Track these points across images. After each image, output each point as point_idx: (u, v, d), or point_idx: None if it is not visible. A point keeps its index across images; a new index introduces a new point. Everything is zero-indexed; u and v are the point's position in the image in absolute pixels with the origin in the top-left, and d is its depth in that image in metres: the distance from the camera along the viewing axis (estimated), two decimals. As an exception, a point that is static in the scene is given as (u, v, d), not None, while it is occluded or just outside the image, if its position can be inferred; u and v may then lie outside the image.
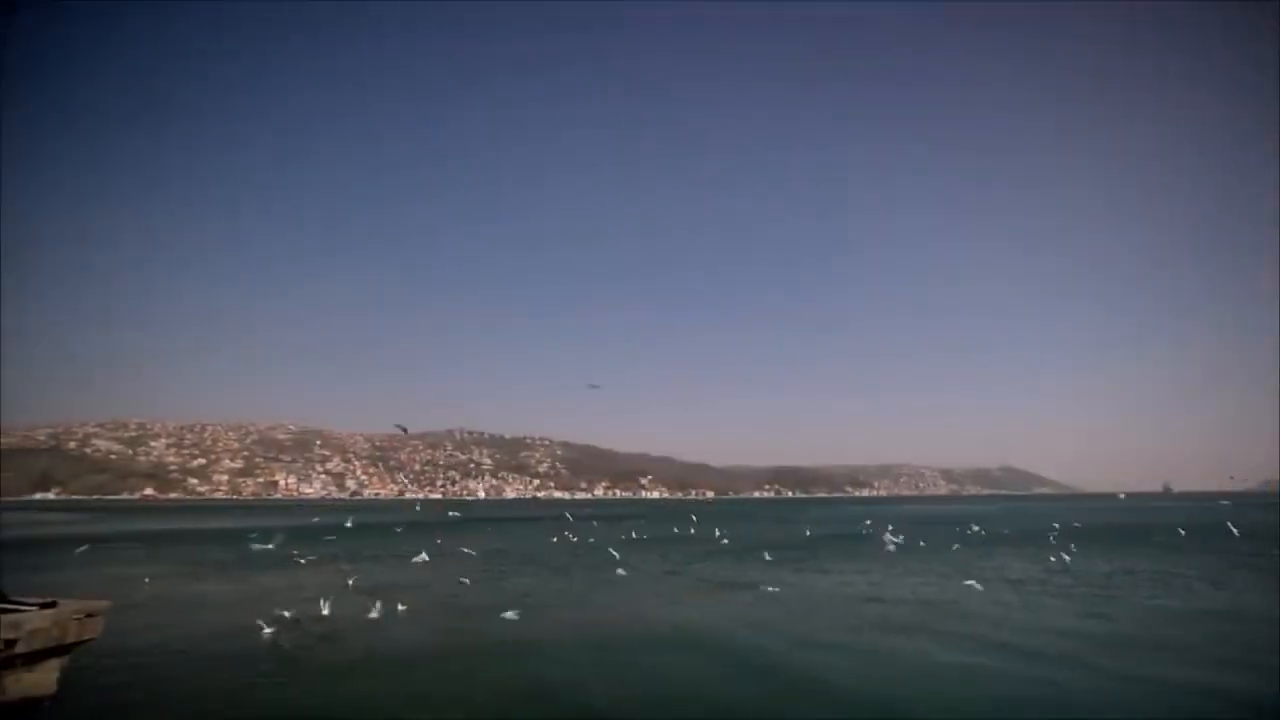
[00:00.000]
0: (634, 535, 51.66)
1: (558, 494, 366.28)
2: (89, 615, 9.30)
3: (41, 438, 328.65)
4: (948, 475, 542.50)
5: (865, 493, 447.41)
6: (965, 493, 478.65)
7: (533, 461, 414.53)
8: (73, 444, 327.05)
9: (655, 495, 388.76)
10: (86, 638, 9.36)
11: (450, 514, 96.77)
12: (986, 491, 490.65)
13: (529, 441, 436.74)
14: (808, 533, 60.52)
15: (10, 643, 8.30)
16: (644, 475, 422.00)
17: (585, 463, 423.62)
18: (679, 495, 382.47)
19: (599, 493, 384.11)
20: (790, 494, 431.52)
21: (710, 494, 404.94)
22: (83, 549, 41.35)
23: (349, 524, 55.37)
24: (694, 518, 74.97)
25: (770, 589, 23.56)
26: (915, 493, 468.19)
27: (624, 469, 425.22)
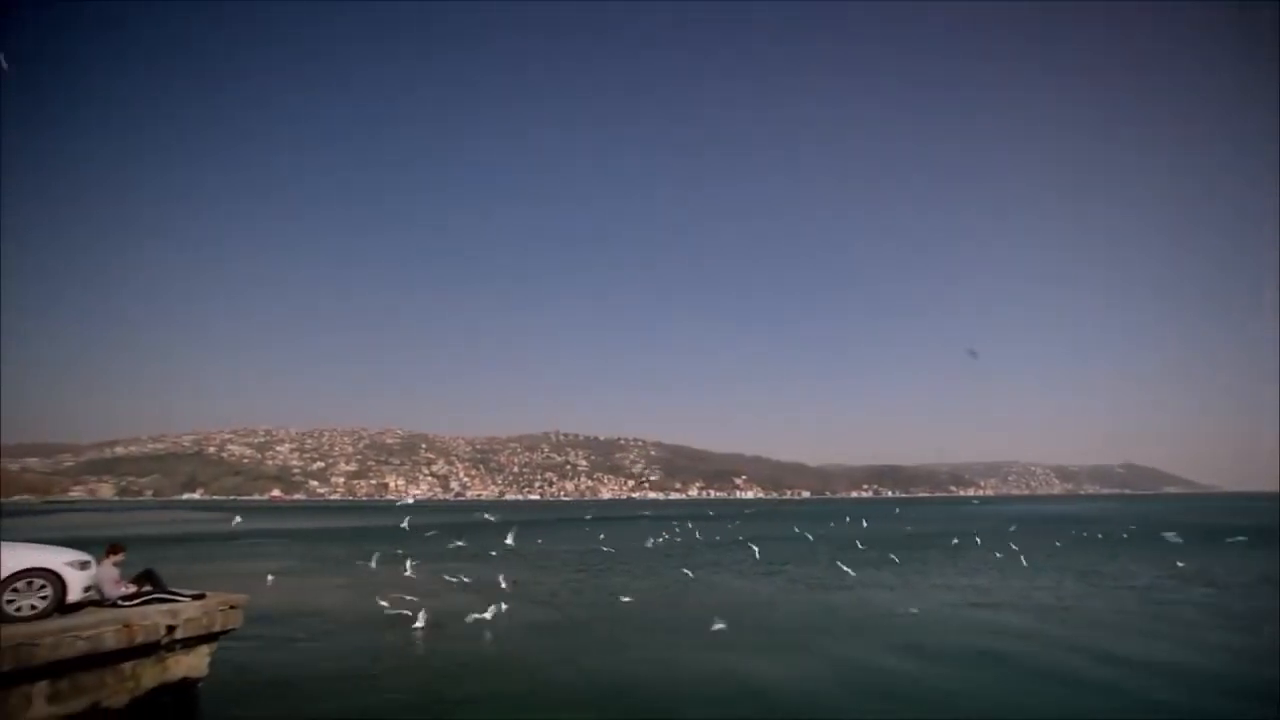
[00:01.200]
0: (728, 534, 51.28)
1: (652, 494, 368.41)
2: (231, 607, 10.20)
3: (186, 444, 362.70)
4: (1062, 473, 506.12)
5: (971, 492, 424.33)
6: (1083, 492, 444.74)
7: (627, 462, 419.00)
8: (211, 449, 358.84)
9: (750, 495, 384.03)
10: (230, 627, 10.26)
11: (548, 514, 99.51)
12: (1107, 491, 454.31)
13: (623, 442, 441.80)
14: (908, 531, 58.16)
15: (171, 629, 9.23)
16: (738, 475, 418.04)
17: (679, 463, 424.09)
18: (774, 495, 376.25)
19: (693, 493, 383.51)
20: (889, 493, 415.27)
21: (806, 493, 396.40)
22: (220, 544, 45.36)
23: (453, 522, 58.02)
24: (789, 517, 73.82)
25: (868, 590, 22.78)
26: (1026, 492, 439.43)
27: (718, 469, 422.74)
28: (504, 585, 22.15)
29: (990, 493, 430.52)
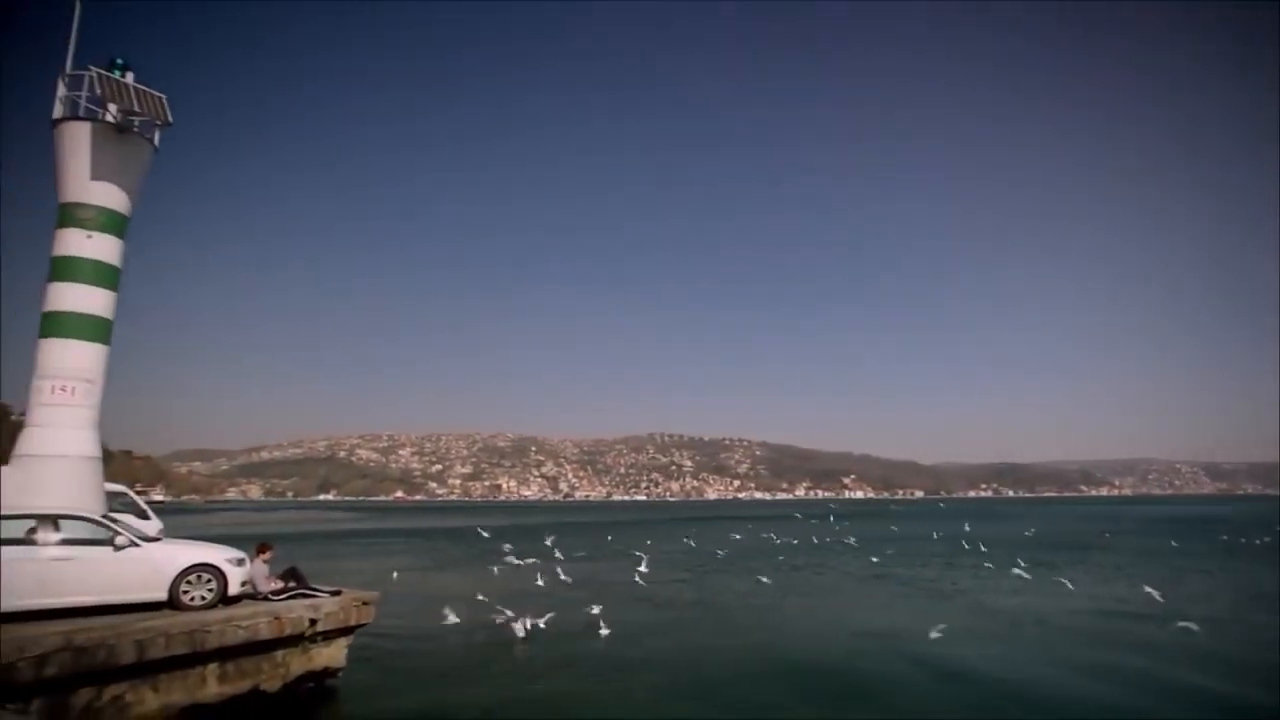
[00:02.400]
0: (836, 535, 49.97)
1: (758, 495, 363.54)
2: (365, 603, 11.21)
3: (321, 449, 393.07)
4: (1214, 471, 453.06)
5: (1104, 492, 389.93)
6: (1239, 491, 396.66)
7: (732, 462, 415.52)
8: (342, 453, 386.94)
9: (859, 495, 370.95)
10: (363, 622, 11.26)
11: (654, 514, 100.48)
12: (1271, 491, 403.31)
13: (728, 443, 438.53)
14: (1030, 532, 54.46)
15: (313, 622, 10.29)
16: (846, 475, 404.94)
17: (785, 463, 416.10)
18: (884, 495, 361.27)
19: (800, 493, 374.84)
20: (1011, 493, 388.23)
21: (919, 493, 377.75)
22: (350, 542, 49.05)
23: (562, 522, 59.90)
24: (901, 517, 70.93)
25: (986, 596, 21.67)
26: (1170, 491, 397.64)
27: (825, 468, 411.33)
28: (614, 584, 22.77)
29: (1128, 492, 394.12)
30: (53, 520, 9.17)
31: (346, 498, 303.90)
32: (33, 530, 9.01)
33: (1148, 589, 19.98)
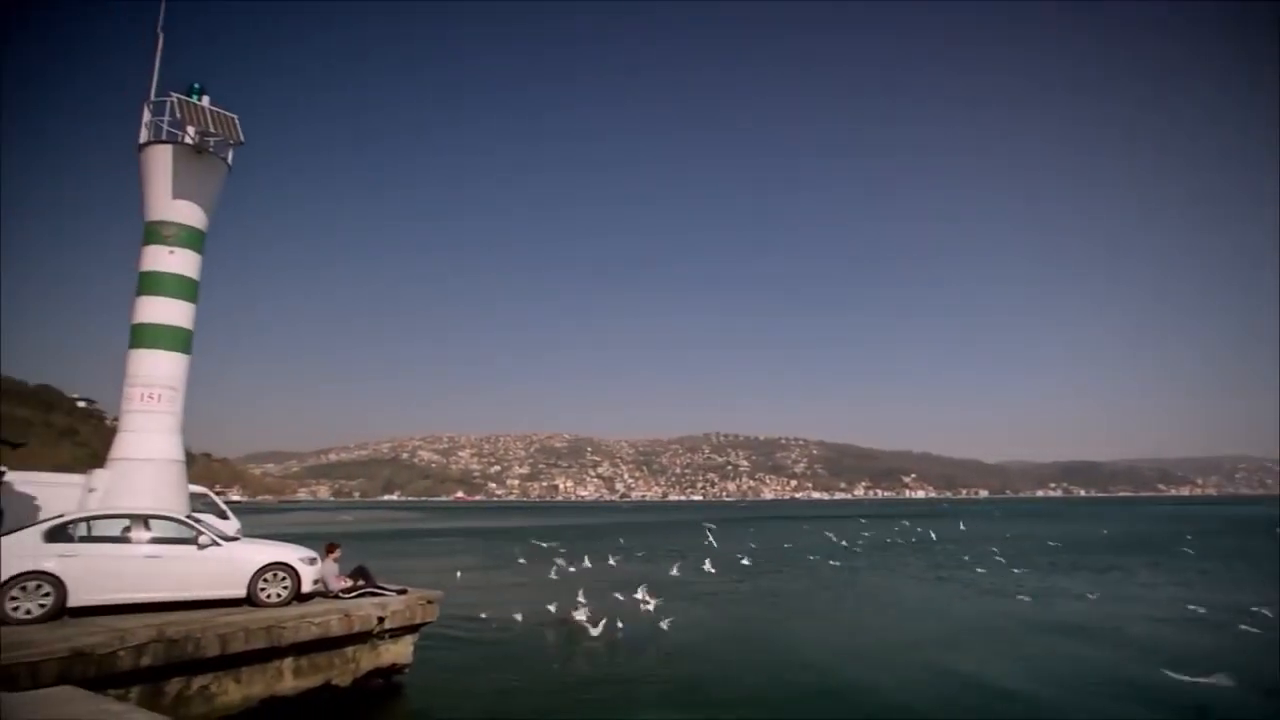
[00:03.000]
0: (896, 535, 48.77)
1: (816, 495, 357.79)
2: (429, 602, 11.56)
3: (385, 450, 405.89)
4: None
5: (1185, 491, 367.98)
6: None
7: (789, 462, 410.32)
8: (405, 455, 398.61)
9: (920, 495, 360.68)
10: (428, 620, 11.60)
11: (711, 514, 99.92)
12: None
13: (784, 442, 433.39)
14: (1104, 533, 51.99)
15: (381, 620, 10.67)
16: (906, 474, 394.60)
17: (844, 462, 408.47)
18: (946, 494, 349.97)
19: (859, 493, 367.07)
20: (1082, 492, 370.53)
21: (984, 493, 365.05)
22: (414, 541, 50.46)
23: (620, 522, 60.27)
24: (964, 517, 68.68)
25: (1057, 601, 20.79)
26: (1260, 491, 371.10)
27: (885, 467, 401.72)
28: (672, 583, 22.78)
29: (1212, 491, 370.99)
30: (144, 520, 9.77)
31: (409, 498, 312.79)
32: (127, 529, 9.62)
33: (1235, 594, 18.85)
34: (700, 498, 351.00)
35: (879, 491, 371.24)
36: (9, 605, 8.53)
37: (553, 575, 25.26)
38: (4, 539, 9.22)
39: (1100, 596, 21.27)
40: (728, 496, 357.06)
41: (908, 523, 64.36)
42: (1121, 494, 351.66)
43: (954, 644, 14.95)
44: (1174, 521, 71.15)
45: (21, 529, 9.34)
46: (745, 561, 30.67)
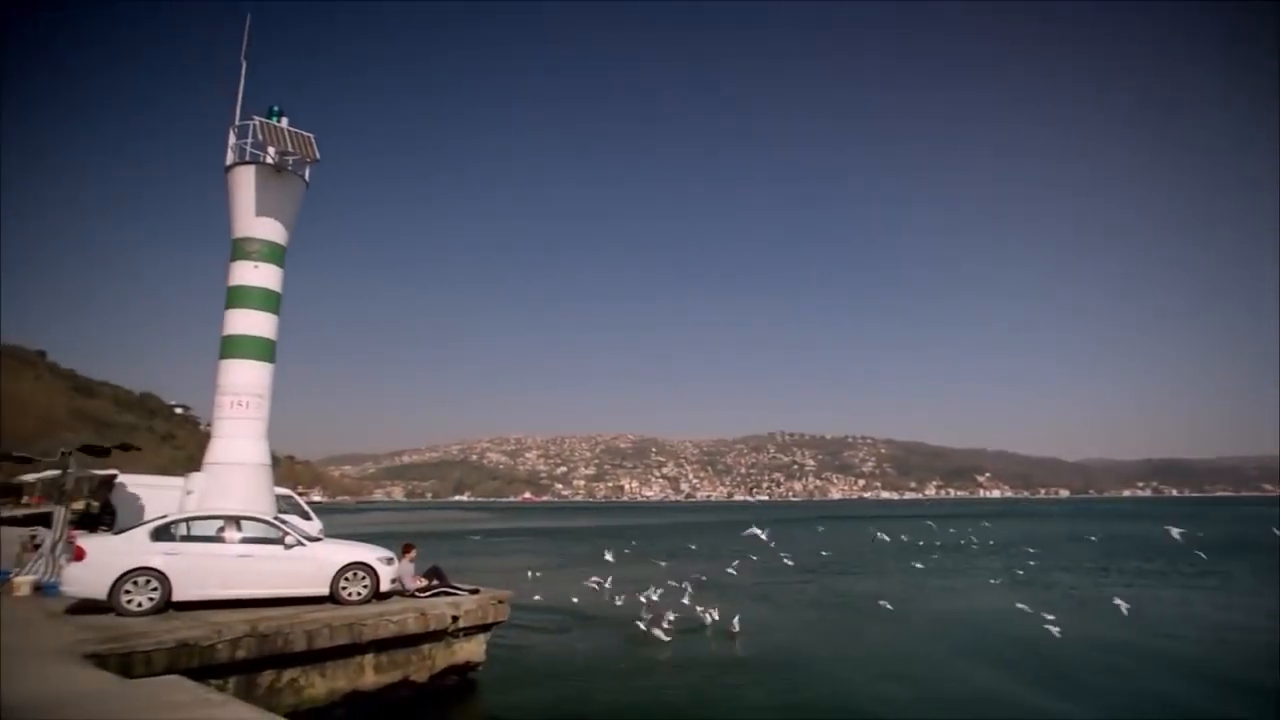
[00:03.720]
0: (971, 536, 46.90)
1: (885, 494, 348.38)
2: (501, 601, 11.85)
3: (455, 452, 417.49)
4: None
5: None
6: None
7: (856, 461, 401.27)
8: (474, 456, 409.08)
9: (995, 494, 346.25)
10: (500, 620, 11.90)
11: (777, 514, 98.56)
12: None
13: (851, 441, 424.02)
14: (1200, 535, 48.57)
15: (455, 619, 11.00)
16: (980, 472, 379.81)
17: (913, 461, 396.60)
18: (1024, 494, 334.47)
19: (930, 492, 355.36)
20: (1175, 492, 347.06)
21: (1064, 492, 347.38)
22: (483, 541, 51.67)
23: (686, 522, 60.22)
24: (1047, 517, 65.58)
25: (1149, 608, 19.62)
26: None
27: (957, 466, 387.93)
28: (737, 584, 22.63)
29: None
30: (236, 521, 10.38)
31: (479, 499, 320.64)
32: (221, 529, 10.24)
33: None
34: (766, 498, 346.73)
35: (951, 491, 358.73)
36: (123, 598, 9.24)
37: (619, 574, 25.47)
38: (118, 537, 9.98)
39: (1203, 605, 19.99)
40: (794, 496, 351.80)
41: (987, 524, 61.95)
42: (1220, 493, 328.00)
43: (1035, 653, 14.33)
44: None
45: (132, 528, 10.09)
46: (812, 562, 30.20)
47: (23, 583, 11.43)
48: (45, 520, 13.78)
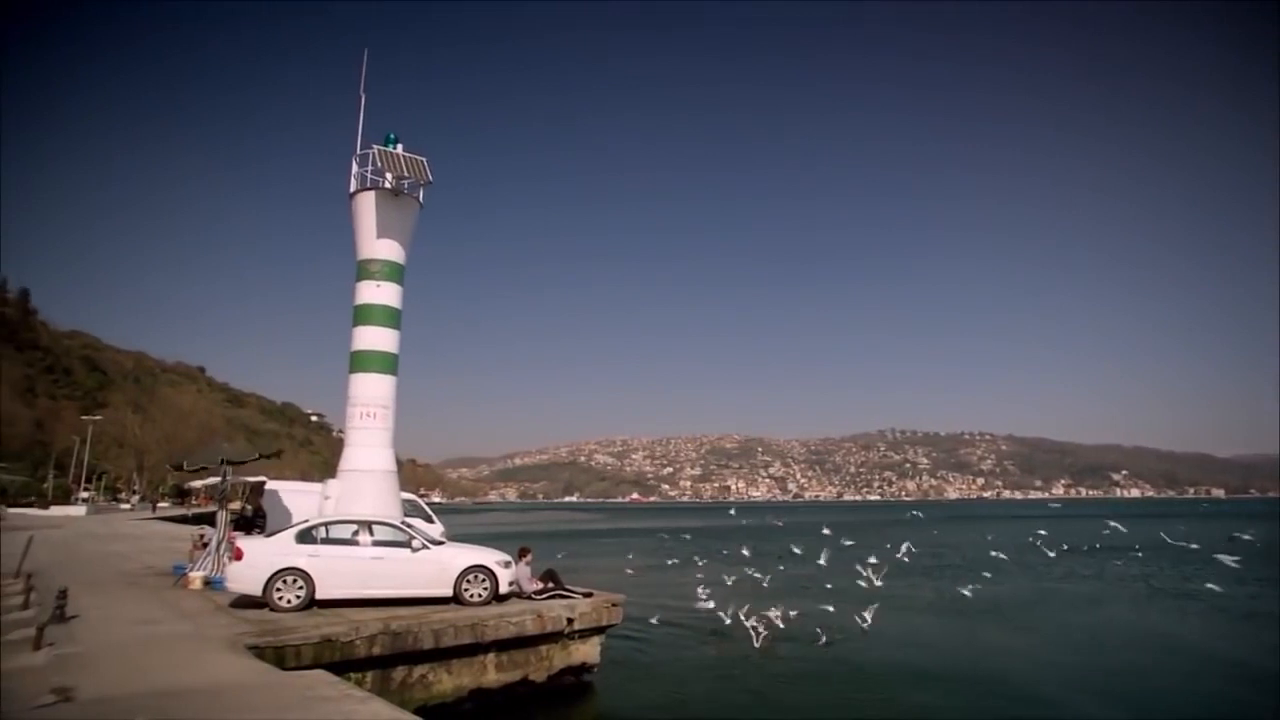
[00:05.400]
0: (1106, 539, 43.09)
1: (1006, 494, 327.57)
2: (614, 605, 12.08)
3: (564, 454, 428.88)
4: None
5: None
6: None
7: (974, 459, 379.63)
8: (582, 458, 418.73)
9: (1134, 494, 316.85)
10: (613, 623, 12.12)
11: (888, 515, 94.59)
12: None
13: (967, 437, 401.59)
14: None
15: (570, 621, 11.31)
16: (1115, 470, 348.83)
17: (1038, 458, 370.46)
18: (1168, 493, 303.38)
19: (1058, 491, 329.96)
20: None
21: (1219, 492, 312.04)
22: (593, 541, 52.75)
23: (794, 523, 58.99)
24: (1192, 519, 59.32)
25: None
26: None
27: (1088, 463, 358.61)
28: (847, 586, 21.95)
29: None
30: (368, 525, 11.14)
31: (587, 500, 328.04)
32: (355, 533, 11.03)
33: None
34: (877, 498, 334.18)
35: (1082, 490, 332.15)
36: (275, 595, 10.15)
37: (728, 576, 25.32)
38: (269, 539, 10.97)
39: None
40: (907, 496, 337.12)
41: (1117, 525, 56.83)
42: None
43: (1196, 677, 13.03)
44: None
45: (280, 531, 11.06)
46: (926, 564, 28.82)
47: (196, 577, 12.88)
48: (210, 520, 15.39)
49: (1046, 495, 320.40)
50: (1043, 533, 35.33)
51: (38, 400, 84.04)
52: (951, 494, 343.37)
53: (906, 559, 28.21)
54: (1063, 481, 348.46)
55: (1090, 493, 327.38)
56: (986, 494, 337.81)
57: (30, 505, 53.98)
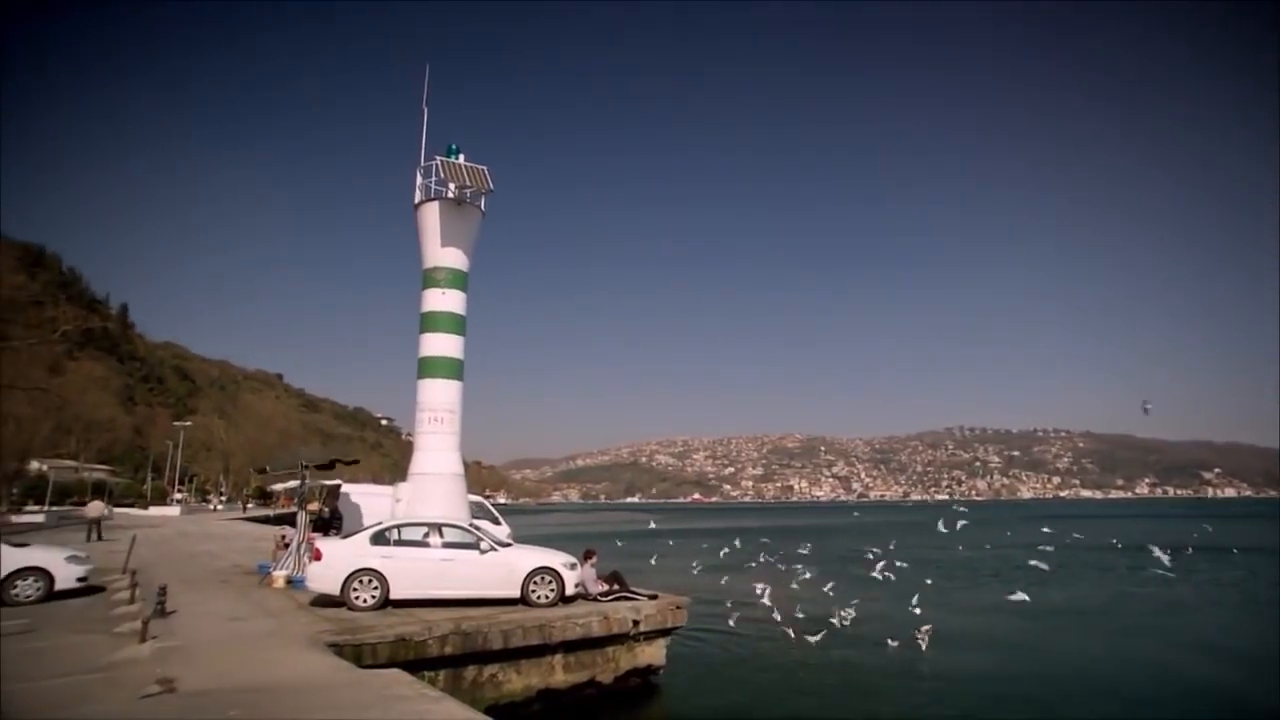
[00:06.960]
0: (1198, 542, 40.49)
1: (1085, 493, 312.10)
2: (678, 607, 12.08)
3: (624, 455, 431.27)
4: None
5: None
6: None
7: (1049, 457, 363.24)
8: (643, 459, 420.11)
9: (1229, 493, 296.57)
10: (678, 625, 12.12)
11: (962, 515, 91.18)
12: None
13: (1042, 434, 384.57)
14: None
15: (636, 622, 11.36)
16: (1206, 468, 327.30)
17: (1119, 455, 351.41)
18: (1269, 493, 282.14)
19: (1142, 491, 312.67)
20: None
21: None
22: (654, 541, 52.72)
23: (859, 522, 57.70)
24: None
25: None
26: None
27: (1175, 461, 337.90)
28: (915, 589, 21.32)
29: None
30: (439, 528, 11.46)
31: (649, 500, 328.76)
32: (426, 535, 11.36)
33: None
34: (945, 497, 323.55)
35: (1170, 490, 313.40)
36: (352, 595, 10.55)
37: (791, 578, 24.96)
38: (346, 541, 11.42)
39: None
40: (977, 495, 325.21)
41: (1208, 525, 53.36)
42: None
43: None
44: None
45: (355, 533, 11.51)
46: (1000, 566, 27.71)
47: (279, 576, 13.53)
48: (291, 521, 16.11)
49: (1129, 495, 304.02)
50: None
51: (136, 408, 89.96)
52: (1025, 493, 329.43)
53: (973, 559, 27.24)
54: (1147, 480, 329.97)
55: (1178, 491, 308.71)
56: (1063, 493, 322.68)
57: (132, 505, 58.28)
